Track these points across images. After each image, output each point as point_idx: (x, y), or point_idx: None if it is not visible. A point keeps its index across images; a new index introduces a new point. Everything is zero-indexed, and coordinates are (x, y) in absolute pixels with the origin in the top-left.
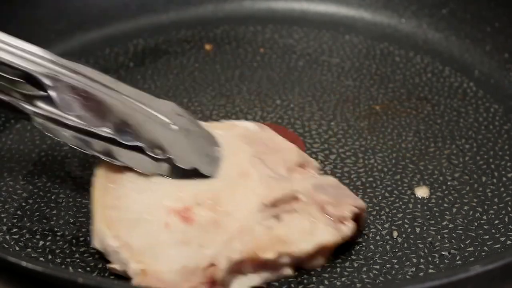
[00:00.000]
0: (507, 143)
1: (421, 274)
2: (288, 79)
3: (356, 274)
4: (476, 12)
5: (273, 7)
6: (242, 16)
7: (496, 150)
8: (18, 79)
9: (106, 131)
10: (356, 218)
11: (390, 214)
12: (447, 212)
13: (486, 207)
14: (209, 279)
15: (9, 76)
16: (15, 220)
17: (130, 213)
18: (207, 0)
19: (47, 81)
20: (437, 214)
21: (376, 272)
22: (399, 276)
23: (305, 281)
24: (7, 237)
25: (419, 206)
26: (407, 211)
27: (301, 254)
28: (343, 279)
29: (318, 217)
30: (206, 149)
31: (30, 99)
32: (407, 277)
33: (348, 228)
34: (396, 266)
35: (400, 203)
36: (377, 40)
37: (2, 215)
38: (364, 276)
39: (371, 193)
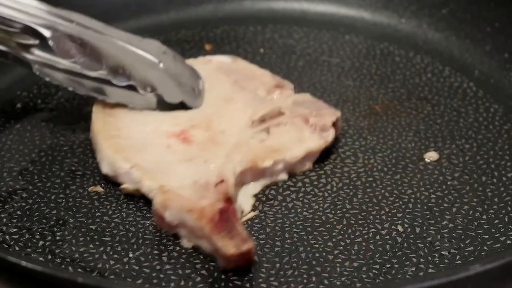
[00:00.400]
0: (507, 143)
1: (421, 274)
2: (288, 79)
3: (356, 274)
4: (476, 12)
5: (273, 7)
6: (242, 16)
7: (496, 150)
8: (16, 30)
9: (101, 73)
10: (334, 125)
11: (390, 214)
12: (447, 212)
13: (486, 207)
14: (224, 196)
15: (7, 29)
16: (15, 220)
17: (133, 140)
18: (207, 0)
19: (45, 32)
20: (437, 214)
21: (376, 272)
22: (399, 276)
23: (305, 281)
24: (7, 237)
25: (419, 206)
26: (407, 211)
27: (292, 160)
28: (343, 279)
29: (303, 127)
30: (190, 83)
31: (27, 48)
32: (407, 277)
33: (330, 134)
34: (396, 266)
35: (400, 203)
36: (377, 40)
37: (2, 215)
38: (364, 276)
39: (371, 193)
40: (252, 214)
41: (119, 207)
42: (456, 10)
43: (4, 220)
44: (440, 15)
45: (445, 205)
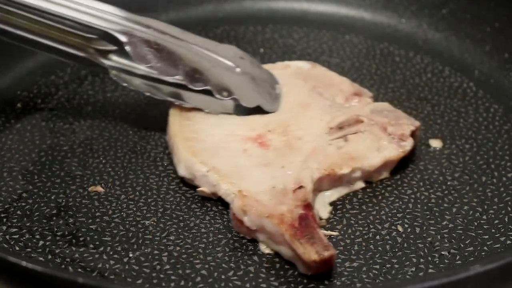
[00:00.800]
0: (507, 143)
1: (421, 274)
2: None
3: (356, 274)
4: (476, 12)
5: (273, 7)
6: (242, 16)
7: (496, 150)
8: (94, 36)
9: (178, 78)
10: (412, 134)
11: (390, 214)
12: (447, 212)
13: (486, 207)
14: (303, 202)
15: (85, 35)
16: (15, 220)
17: (209, 143)
18: (207, 0)
19: (122, 37)
20: (437, 214)
21: (376, 272)
22: (399, 276)
23: (305, 281)
24: (7, 237)
25: (419, 206)
26: (407, 211)
27: (370, 168)
28: (343, 279)
29: (381, 136)
30: (267, 88)
31: (105, 53)
32: (407, 277)
33: (408, 143)
34: (396, 266)
35: (400, 203)
36: (377, 40)
37: (2, 215)
38: (364, 276)
39: (371, 193)
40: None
41: (119, 207)
42: (456, 10)
43: (4, 220)
44: (440, 15)
45: (445, 205)
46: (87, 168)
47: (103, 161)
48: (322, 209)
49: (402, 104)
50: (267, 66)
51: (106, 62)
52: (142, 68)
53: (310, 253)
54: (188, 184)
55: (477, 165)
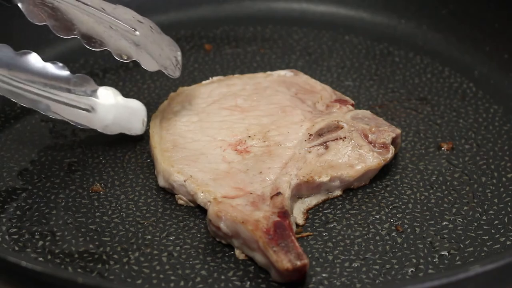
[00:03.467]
0: (507, 143)
1: (420, 274)
2: None
3: (355, 274)
4: (476, 13)
5: (273, 7)
6: (242, 16)
7: (496, 150)
8: None
9: (75, 37)
10: (393, 142)
11: (390, 214)
12: (447, 212)
13: (486, 207)
14: (280, 209)
15: None
16: (14, 220)
17: (188, 151)
18: (207, 0)
19: None
20: (437, 214)
21: (376, 272)
22: (399, 276)
23: (304, 280)
24: (7, 237)
25: (419, 206)
26: (407, 211)
27: (350, 178)
28: (343, 279)
29: (362, 143)
30: (168, 53)
31: None
32: (407, 277)
33: (389, 152)
34: (396, 266)
35: (400, 203)
36: (376, 41)
37: (2, 215)
38: (364, 276)
39: (371, 193)
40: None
41: (119, 207)
42: (456, 11)
43: (4, 220)
44: (440, 15)
45: (445, 205)
46: (87, 168)
47: (103, 161)
48: (299, 216)
49: (402, 104)
50: (249, 76)
51: None
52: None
53: (283, 261)
54: None
55: (477, 165)
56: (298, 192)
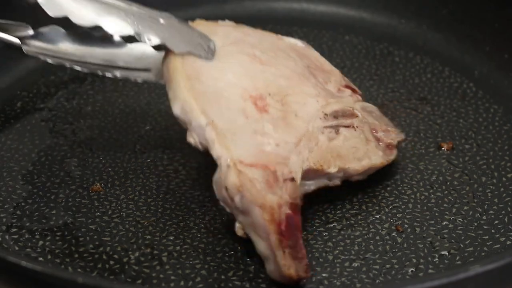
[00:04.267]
0: (507, 143)
1: (421, 274)
2: None
3: (356, 274)
4: (476, 13)
5: (273, 7)
6: (242, 16)
7: (496, 150)
8: None
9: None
10: (397, 146)
11: (390, 214)
12: (447, 212)
13: (486, 207)
14: (292, 200)
15: None
16: (14, 220)
17: (211, 87)
18: (207, 0)
19: None
20: (437, 214)
21: (376, 272)
22: (399, 276)
23: (304, 280)
24: (7, 237)
25: (419, 206)
26: (407, 211)
27: (354, 172)
28: (343, 279)
29: (371, 138)
30: (200, 40)
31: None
32: (407, 277)
33: (394, 154)
34: (396, 266)
35: (400, 203)
36: (376, 41)
37: (2, 215)
38: (364, 276)
39: (371, 193)
40: None
41: (119, 207)
42: (456, 11)
43: (4, 220)
44: (440, 15)
45: (445, 205)
46: (87, 168)
47: (103, 161)
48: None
49: (402, 104)
50: (261, 31)
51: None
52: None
53: (290, 268)
54: (188, 184)
55: (477, 165)
56: (305, 177)
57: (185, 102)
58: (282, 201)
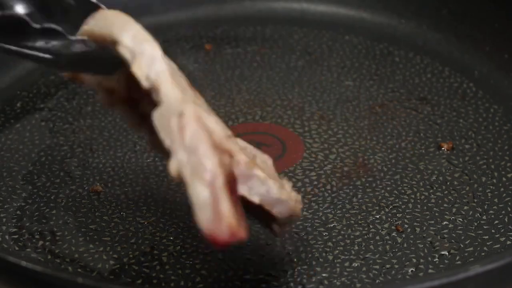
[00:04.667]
0: (507, 143)
1: (421, 274)
2: (288, 79)
3: (356, 274)
4: (476, 13)
5: (273, 7)
6: (242, 16)
7: (496, 150)
8: None
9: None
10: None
11: (390, 214)
12: (447, 212)
13: (486, 207)
14: (228, 172)
15: None
16: (14, 220)
17: None
18: (207, 0)
19: None
20: (437, 214)
21: (376, 272)
22: (399, 276)
23: (304, 280)
24: (7, 237)
25: (419, 206)
26: (407, 211)
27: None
28: (343, 279)
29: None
30: None
31: None
32: (407, 277)
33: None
34: (396, 266)
35: (400, 203)
36: (376, 41)
37: (1, 215)
38: (364, 276)
39: (371, 193)
40: None
41: (119, 207)
42: (456, 11)
43: (4, 220)
44: (440, 15)
45: (445, 205)
46: (87, 168)
47: (103, 161)
48: None
49: (402, 104)
50: None
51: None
52: None
53: (233, 217)
54: None
55: (477, 165)
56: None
57: (138, 31)
58: (233, 153)
